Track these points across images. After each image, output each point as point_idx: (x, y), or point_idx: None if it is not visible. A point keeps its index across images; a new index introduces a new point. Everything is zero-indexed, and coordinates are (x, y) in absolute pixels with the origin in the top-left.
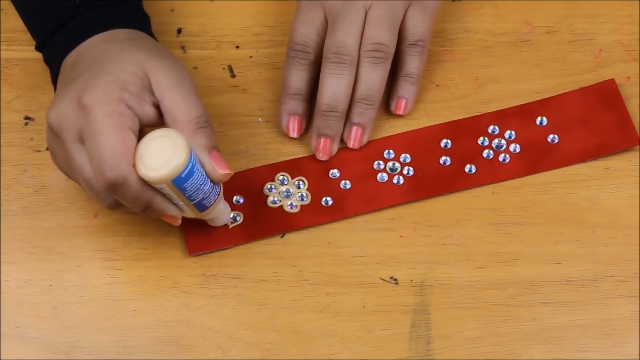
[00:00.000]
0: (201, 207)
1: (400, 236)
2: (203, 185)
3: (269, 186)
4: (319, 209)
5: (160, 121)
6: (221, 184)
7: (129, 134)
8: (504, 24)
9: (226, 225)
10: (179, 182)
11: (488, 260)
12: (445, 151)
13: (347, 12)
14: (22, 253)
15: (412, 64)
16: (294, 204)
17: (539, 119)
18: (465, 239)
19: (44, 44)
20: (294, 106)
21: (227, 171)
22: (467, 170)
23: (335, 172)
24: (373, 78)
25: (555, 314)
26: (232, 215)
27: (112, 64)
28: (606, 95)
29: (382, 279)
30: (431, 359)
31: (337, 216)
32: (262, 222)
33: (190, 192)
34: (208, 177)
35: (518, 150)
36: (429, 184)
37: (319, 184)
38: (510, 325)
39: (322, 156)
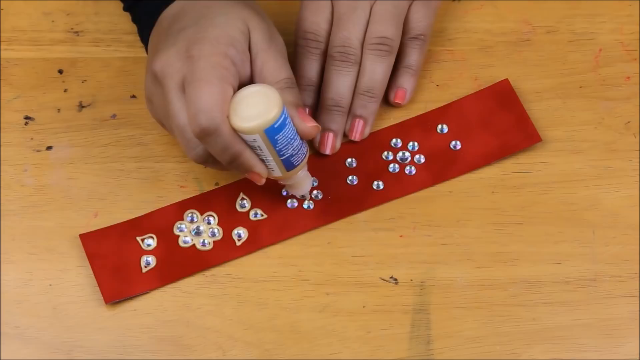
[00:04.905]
0: (289, 164)
1: (401, 236)
2: (293, 141)
3: (179, 225)
4: (232, 243)
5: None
6: (308, 147)
7: (229, 87)
8: (504, 24)
9: (140, 270)
10: (271, 132)
11: (488, 260)
12: (351, 170)
13: (354, 9)
14: (22, 253)
15: (413, 56)
16: (206, 241)
17: (439, 126)
18: (465, 239)
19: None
20: (306, 98)
21: (314, 124)
22: (375, 186)
23: (244, 203)
24: (377, 71)
25: (555, 313)
26: (145, 258)
27: (219, 17)
28: (502, 96)
29: (382, 279)
30: (431, 359)
31: (251, 248)
32: (176, 264)
33: (281, 146)
34: (297, 131)
35: (423, 160)
36: (339, 205)
37: (229, 217)
38: (511, 324)
39: (328, 150)
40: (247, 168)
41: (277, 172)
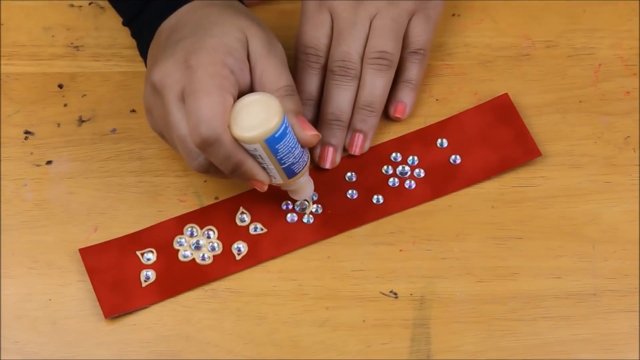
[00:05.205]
0: (290, 172)
1: (400, 250)
2: (294, 149)
3: (178, 239)
4: (232, 257)
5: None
6: (309, 154)
7: (229, 96)
8: (504, 39)
9: (140, 285)
10: (272, 142)
11: (488, 274)
12: (351, 184)
13: (353, 24)
14: (21, 267)
15: (413, 70)
16: (205, 255)
17: (439, 141)
18: (465, 253)
19: (138, 14)
20: (306, 112)
21: (315, 132)
22: (375, 201)
23: (244, 217)
24: (376, 85)
25: (555, 328)
26: (145, 273)
27: (216, 27)
28: (502, 110)
29: (382, 293)
30: None
31: (251, 263)
32: (176, 278)
33: (282, 155)
34: (298, 139)
35: (422, 174)
36: (339, 219)
37: (229, 231)
38: (511, 339)
39: (328, 165)
40: (249, 176)
41: (279, 180)
